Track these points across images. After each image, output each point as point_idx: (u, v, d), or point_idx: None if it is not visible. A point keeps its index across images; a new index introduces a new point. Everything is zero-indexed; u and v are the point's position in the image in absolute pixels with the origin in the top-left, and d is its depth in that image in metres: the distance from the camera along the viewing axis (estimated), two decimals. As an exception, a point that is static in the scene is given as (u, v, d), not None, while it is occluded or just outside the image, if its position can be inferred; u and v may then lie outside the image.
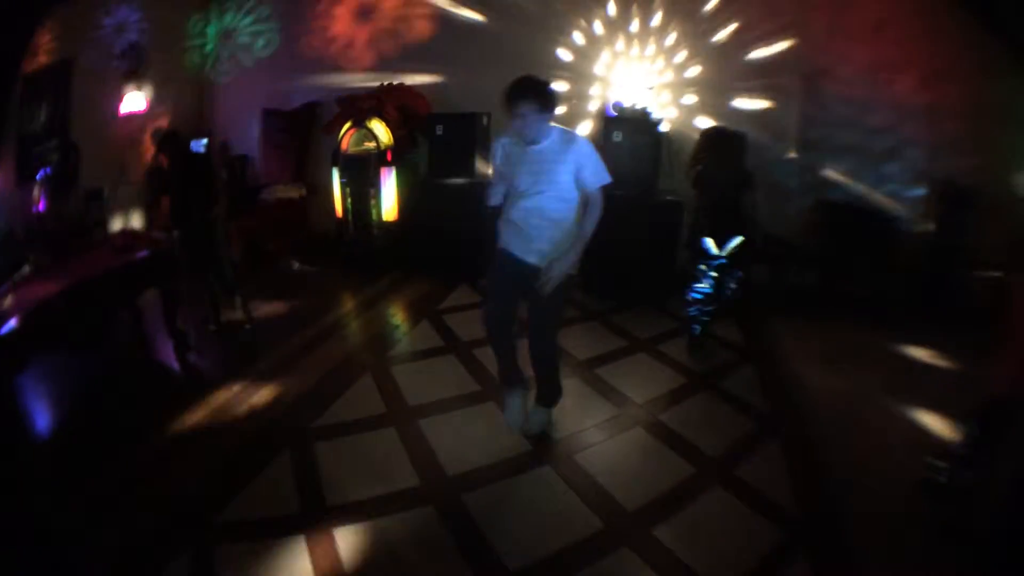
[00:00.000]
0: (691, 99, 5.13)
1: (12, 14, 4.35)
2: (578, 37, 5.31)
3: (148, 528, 2.39)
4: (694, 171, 4.05)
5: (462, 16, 5.54)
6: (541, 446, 2.94)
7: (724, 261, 3.77)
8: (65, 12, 5.01)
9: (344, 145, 5.39)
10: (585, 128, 5.40)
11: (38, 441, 3.02)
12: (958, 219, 4.39)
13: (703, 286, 3.81)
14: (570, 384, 3.54)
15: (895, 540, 2.36)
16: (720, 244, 3.75)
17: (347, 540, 2.32)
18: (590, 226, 2.65)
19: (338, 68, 6.02)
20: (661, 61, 5.15)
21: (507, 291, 2.86)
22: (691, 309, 3.90)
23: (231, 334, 4.23)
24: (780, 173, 4.91)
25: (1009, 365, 2.35)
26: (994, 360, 2.43)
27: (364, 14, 5.84)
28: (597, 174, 2.64)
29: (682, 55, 5.08)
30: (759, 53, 4.87)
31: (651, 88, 5.13)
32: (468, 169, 5.20)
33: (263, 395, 3.40)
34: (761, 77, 4.89)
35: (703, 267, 3.81)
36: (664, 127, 4.94)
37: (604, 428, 3.12)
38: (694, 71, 5.08)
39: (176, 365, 3.85)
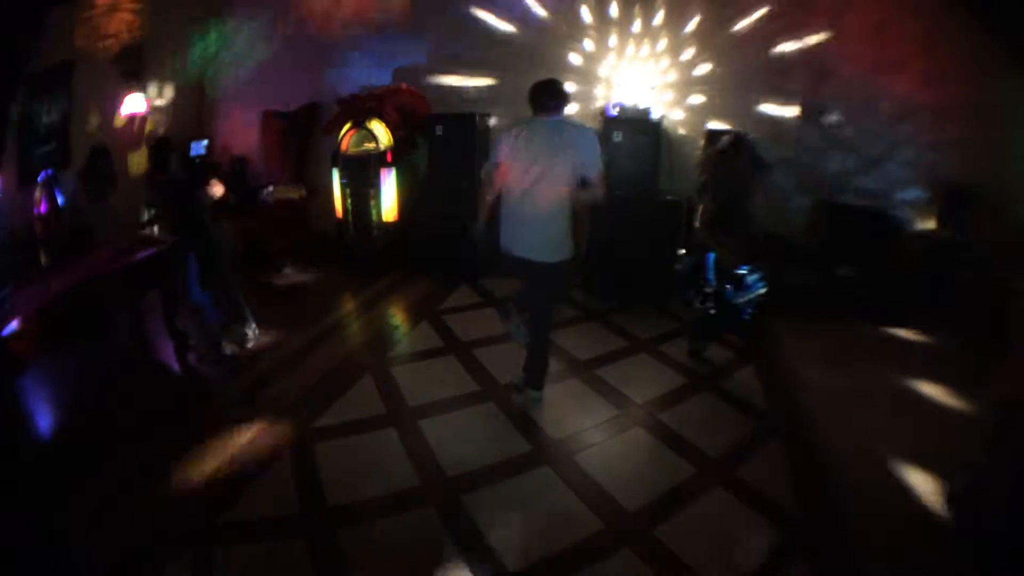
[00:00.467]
0: (689, 100, 5.13)
1: (12, 14, 4.36)
2: (587, 44, 5.32)
3: (148, 528, 2.39)
4: (701, 179, 3.98)
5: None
6: (541, 447, 2.94)
7: (729, 285, 3.63)
8: (65, 12, 5.02)
9: (344, 146, 5.40)
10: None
11: (38, 441, 3.02)
12: (958, 218, 4.39)
13: (704, 305, 3.69)
14: (570, 384, 3.55)
15: (895, 540, 2.36)
16: (722, 252, 3.61)
17: (347, 540, 2.32)
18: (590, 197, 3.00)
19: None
20: (654, 62, 5.15)
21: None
22: (693, 324, 3.81)
23: (232, 369, 3.74)
24: (780, 173, 4.90)
25: (1016, 370, 2.34)
26: (1001, 365, 2.42)
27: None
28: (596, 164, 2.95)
29: (681, 56, 5.08)
30: (758, 53, 4.86)
31: (652, 88, 5.13)
32: (468, 169, 5.19)
33: (263, 395, 3.41)
34: (761, 77, 4.89)
35: (704, 286, 3.68)
36: (665, 127, 4.94)
37: (604, 428, 3.12)
38: (693, 72, 5.07)
39: (176, 366, 3.85)
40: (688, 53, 5.06)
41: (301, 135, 6.23)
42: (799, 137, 4.89)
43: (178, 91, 6.36)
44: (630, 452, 2.95)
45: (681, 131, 5.16)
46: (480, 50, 5.54)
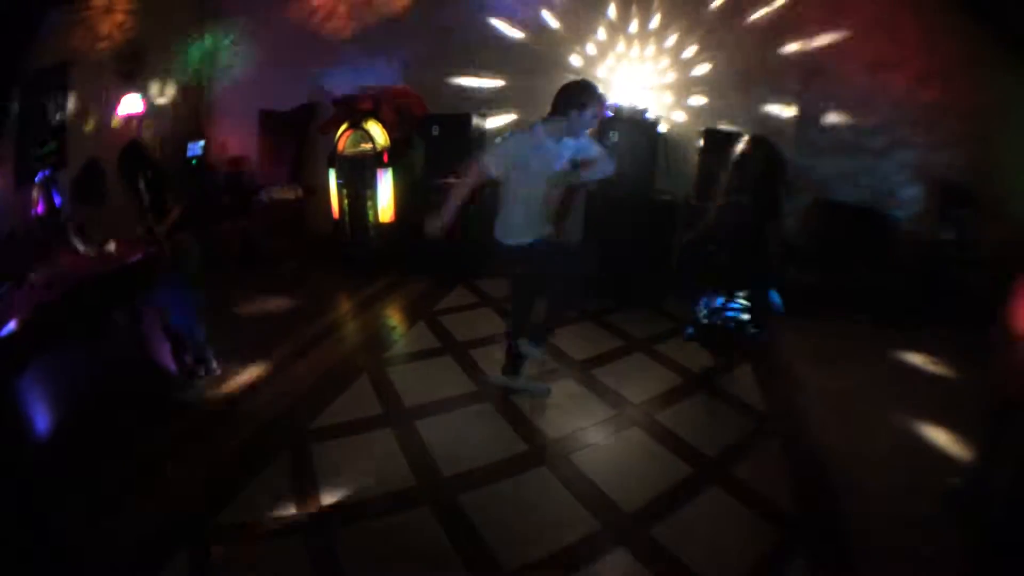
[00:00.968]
0: (686, 100, 5.12)
1: (12, 14, 4.35)
2: (590, 48, 5.32)
3: (148, 528, 2.38)
4: (720, 201, 3.70)
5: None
6: (537, 447, 2.93)
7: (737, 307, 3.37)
8: (64, 13, 5.01)
9: (341, 146, 5.39)
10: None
11: (38, 442, 3.01)
12: (956, 217, 4.39)
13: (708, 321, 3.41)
14: (567, 384, 3.54)
15: (895, 540, 2.35)
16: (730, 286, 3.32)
17: (344, 541, 2.31)
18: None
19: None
20: (652, 62, 5.15)
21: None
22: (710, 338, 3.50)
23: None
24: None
25: (1012, 368, 2.34)
26: (996, 363, 2.41)
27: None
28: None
29: (679, 56, 5.07)
30: (756, 53, 4.86)
31: (648, 88, 5.12)
32: (465, 170, 5.18)
33: (261, 396, 3.39)
34: (758, 76, 4.89)
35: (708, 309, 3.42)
36: (661, 127, 4.94)
37: (601, 428, 3.11)
38: (690, 72, 5.07)
39: (173, 367, 3.83)
40: (686, 53, 5.05)
41: (298, 136, 6.23)
42: (796, 136, 4.89)
43: (175, 92, 6.35)
44: (627, 452, 2.94)
45: (677, 131, 5.15)
46: (484, 50, 5.54)
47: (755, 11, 4.80)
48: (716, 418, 3.25)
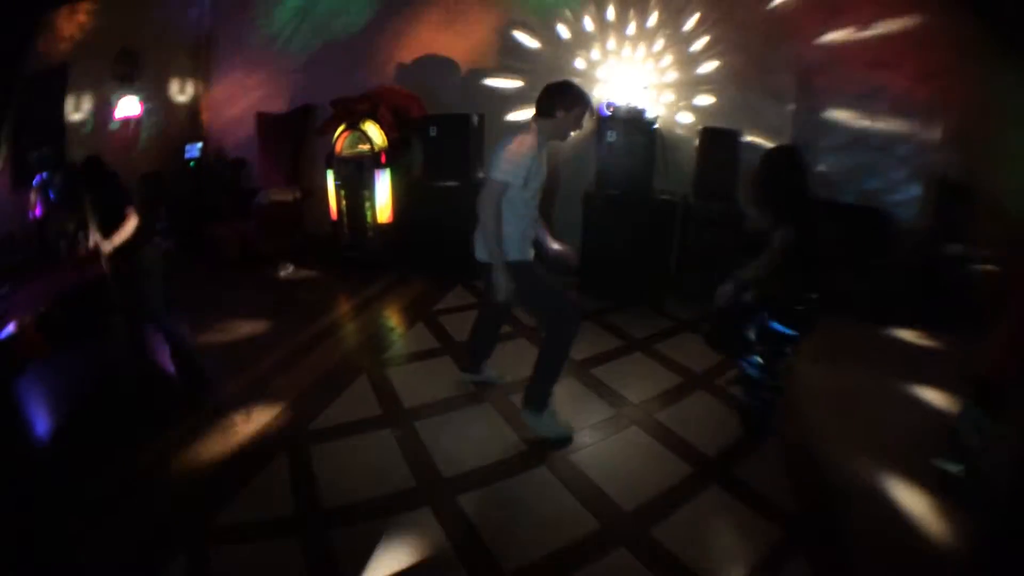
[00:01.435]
0: (684, 99, 5.12)
1: (12, 14, 4.35)
2: (596, 52, 5.33)
3: (148, 528, 2.38)
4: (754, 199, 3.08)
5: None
6: (537, 447, 2.93)
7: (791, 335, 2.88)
8: (63, 14, 5.01)
9: (338, 147, 5.39)
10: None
11: (38, 442, 3.01)
12: (955, 215, 4.38)
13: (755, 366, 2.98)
14: (566, 384, 3.52)
15: (895, 540, 2.35)
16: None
17: (343, 542, 2.30)
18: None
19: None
20: (652, 61, 5.15)
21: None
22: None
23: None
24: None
25: (996, 348, 2.38)
26: (985, 343, 2.47)
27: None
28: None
29: (678, 56, 5.08)
30: (755, 51, 4.86)
31: (646, 88, 5.12)
32: (462, 170, 5.18)
33: (259, 397, 3.38)
34: (756, 75, 4.89)
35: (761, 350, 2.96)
36: (659, 126, 4.93)
37: (600, 428, 3.11)
38: (688, 72, 5.07)
39: (171, 368, 3.82)
40: (685, 53, 5.05)
41: (296, 137, 6.23)
42: (794, 135, 4.88)
43: (173, 93, 6.35)
44: (627, 452, 2.93)
45: (676, 131, 5.15)
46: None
47: (755, 11, 4.80)
48: (716, 417, 3.24)
